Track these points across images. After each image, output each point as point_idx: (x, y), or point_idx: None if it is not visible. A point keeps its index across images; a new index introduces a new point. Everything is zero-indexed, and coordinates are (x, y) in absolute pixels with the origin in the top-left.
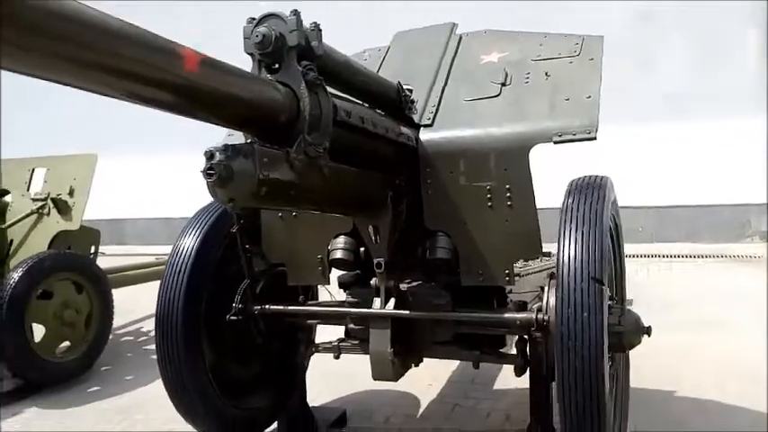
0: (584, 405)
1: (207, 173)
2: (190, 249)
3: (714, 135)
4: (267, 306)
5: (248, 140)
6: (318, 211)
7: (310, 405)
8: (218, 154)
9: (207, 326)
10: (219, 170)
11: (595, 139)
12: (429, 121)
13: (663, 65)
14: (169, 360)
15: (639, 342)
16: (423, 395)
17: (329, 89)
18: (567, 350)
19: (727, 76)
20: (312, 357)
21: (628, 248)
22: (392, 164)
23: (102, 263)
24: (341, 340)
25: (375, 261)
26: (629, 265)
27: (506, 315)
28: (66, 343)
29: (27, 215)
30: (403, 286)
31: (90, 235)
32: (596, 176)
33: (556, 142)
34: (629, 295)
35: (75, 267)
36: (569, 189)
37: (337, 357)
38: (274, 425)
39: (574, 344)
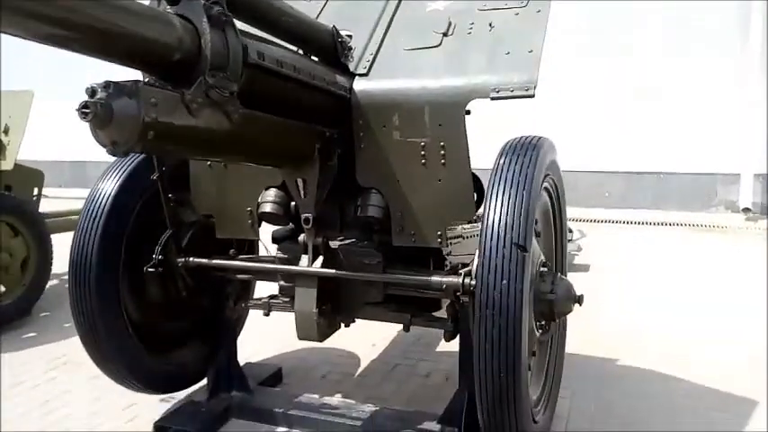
0: (499, 375)
1: (81, 111)
2: (107, 195)
3: (688, 104)
4: (191, 259)
5: (146, 80)
6: (233, 161)
7: (248, 362)
8: (99, 91)
9: (128, 276)
10: (96, 109)
11: (533, 96)
12: (364, 71)
13: (636, 28)
14: (82, 309)
15: (570, 311)
16: (365, 355)
17: (251, 30)
18: (485, 318)
19: (703, 41)
20: (252, 314)
21: (595, 213)
22: (321, 114)
23: (53, 206)
24: (272, 297)
25: (302, 216)
26: (594, 229)
27: (433, 278)
28: (1, 288)
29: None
30: (334, 244)
31: (33, 176)
32: (533, 137)
33: (493, 98)
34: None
35: (7, 209)
36: (502, 150)
37: (267, 314)
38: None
39: (491, 312)
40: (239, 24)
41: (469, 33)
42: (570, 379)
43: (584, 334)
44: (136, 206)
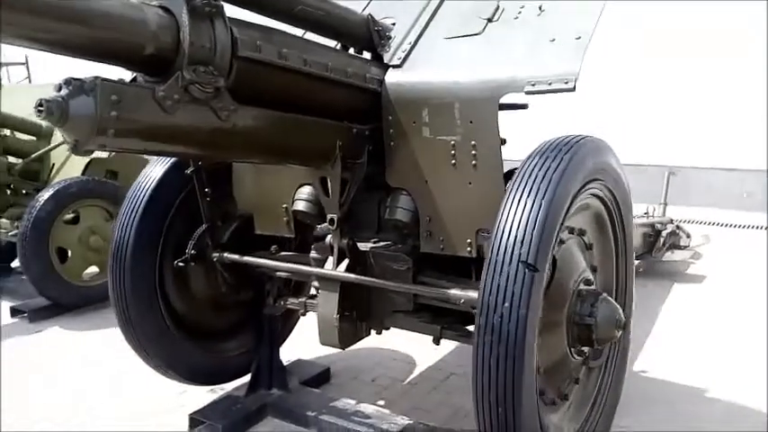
0: (497, 411)
1: (37, 109)
2: (147, 186)
3: None
4: (225, 254)
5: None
6: (233, 160)
7: (298, 359)
8: (63, 88)
9: (172, 268)
10: (51, 107)
11: (573, 90)
12: (399, 61)
13: None
14: (119, 295)
15: (613, 337)
16: (423, 360)
17: (266, 22)
18: (482, 345)
19: None
20: None
21: (732, 216)
22: (346, 109)
23: None
24: (309, 297)
25: (328, 217)
26: (727, 234)
27: (452, 291)
28: (95, 269)
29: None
30: (364, 246)
31: (137, 164)
32: (574, 137)
33: (527, 92)
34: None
35: (102, 195)
36: (532, 152)
37: (303, 314)
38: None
39: (489, 338)
40: (255, 17)
41: (516, 18)
42: (637, 408)
43: (671, 355)
44: (177, 198)
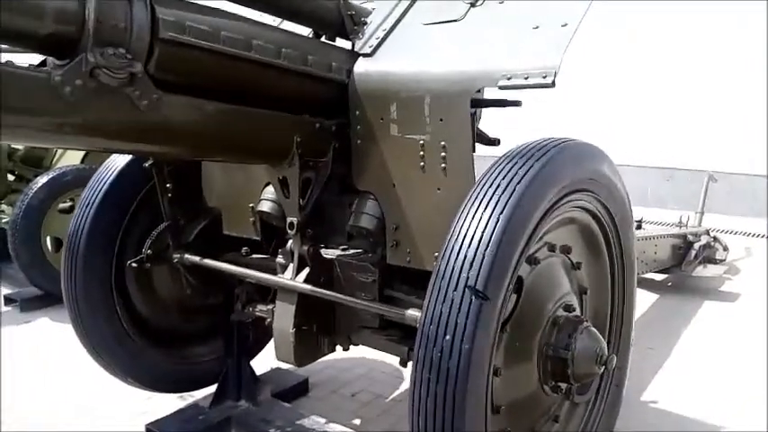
0: None
1: None
2: (106, 178)
3: None
4: (186, 255)
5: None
6: (160, 156)
7: (277, 368)
8: None
9: (130, 267)
10: None
11: (551, 85)
12: (369, 50)
13: None
14: (70, 295)
15: (593, 373)
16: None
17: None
18: (419, 383)
19: None
20: None
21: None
22: (303, 101)
23: None
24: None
25: (287, 220)
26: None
27: (408, 311)
28: None
29: None
30: (331, 254)
31: None
32: (556, 140)
33: (501, 87)
34: None
35: None
36: (498, 158)
37: (270, 324)
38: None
39: (428, 376)
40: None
41: (502, 2)
42: None
43: (688, 384)
44: (139, 192)
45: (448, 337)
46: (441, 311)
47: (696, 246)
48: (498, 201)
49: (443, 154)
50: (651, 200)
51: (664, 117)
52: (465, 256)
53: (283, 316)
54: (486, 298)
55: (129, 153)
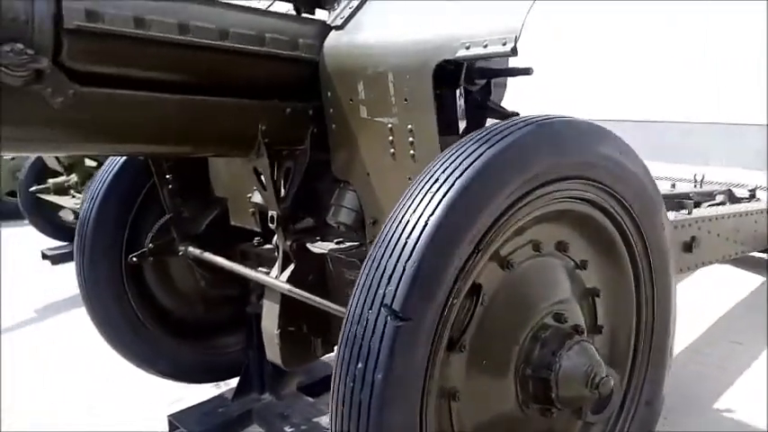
0: None
1: None
2: (110, 169)
3: None
4: (190, 248)
5: None
6: (90, 154)
7: None
8: None
9: (152, 261)
10: None
11: (512, 53)
12: (341, 21)
13: None
14: (82, 286)
15: (583, 398)
16: None
17: None
18: (335, 416)
19: None
20: None
21: None
22: (267, 84)
23: None
24: None
25: (268, 214)
26: None
27: None
28: None
29: None
30: (322, 248)
31: None
32: (526, 119)
33: (461, 59)
34: None
35: None
36: (450, 147)
37: None
38: None
39: (341, 409)
40: None
41: None
42: None
43: None
44: (147, 183)
45: (360, 364)
46: (355, 333)
47: None
48: (431, 200)
49: (411, 139)
50: None
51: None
52: (384, 269)
53: (269, 316)
54: (405, 318)
55: (58, 154)
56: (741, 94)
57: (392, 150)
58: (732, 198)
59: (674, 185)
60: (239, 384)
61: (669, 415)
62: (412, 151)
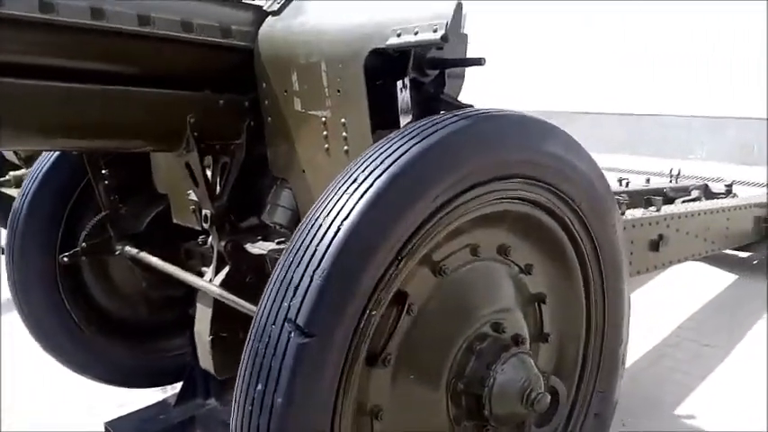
0: None
1: None
2: (44, 164)
3: None
4: (128, 248)
5: None
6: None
7: None
8: None
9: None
10: None
11: (444, 40)
12: (278, 6)
13: None
14: (12, 285)
15: (519, 415)
16: None
17: None
18: None
19: None
20: None
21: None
22: (193, 74)
23: None
24: None
25: (202, 213)
26: None
27: None
28: None
29: None
30: (263, 248)
31: None
32: (458, 115)
33: (391, 47)
34: None
35: None
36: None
37: None
38: None
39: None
40: None
41: None
42: None
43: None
44: (83, 179)
45: (260, 386)
46: (256, 350)
47: None
48: (346, 202)
49: (344, 134)
50: (758, 156)
51: None
52: (291, 279)
53: (201, 321)
54: (310, 335)
55: None
56: (724, 87)
57: (326, 146)
58: (708, 193)
59: (648, 180)
60: (182, 390)
61: (628, 418)
62: (346, 147)
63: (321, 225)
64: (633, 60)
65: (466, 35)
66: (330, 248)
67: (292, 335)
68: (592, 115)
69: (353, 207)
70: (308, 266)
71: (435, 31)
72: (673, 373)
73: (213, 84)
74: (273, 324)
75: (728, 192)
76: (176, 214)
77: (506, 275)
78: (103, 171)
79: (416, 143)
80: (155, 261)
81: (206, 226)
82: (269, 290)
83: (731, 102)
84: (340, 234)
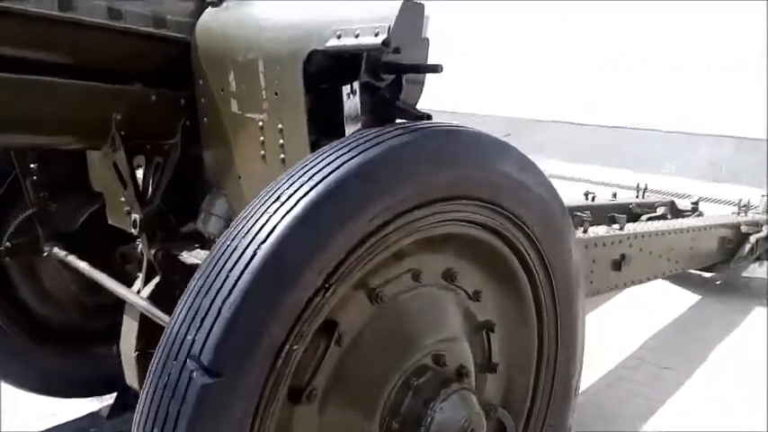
0: None
1: None
2: None
3: None
4: (56, 249)
5: None
6: None
7: None
8: None
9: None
10: None
11: (386, 45)
12: None
13: None
14: None
15: None
16: None
17: None
18: None
19: None
20: None
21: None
22: (123, 67)
23: None
24: None
25: (131, 218)
26: None
27: None
28: None
29: None
30: (194, 258)
31: None
32: (398, 128)
33: (332, 49)
34: None
35: None
36: (316, 152)
37: None
38: None
39: None
40: None
41: None
42: None
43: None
44: (8, 176)
45: (156, 430)
46: (155, 389)
47: (753, 238)
48: (266, 223)
49: (281, 141)
50: (726, 174)
51: None
52: (198, 309)
53: (127, 335)
54: (215, 375)
55: None
56: (699, 103)
57: (262, 152)
58: (674, 210)
59: (614, 195)
60: (115, 402)
61: None
62: (282, 155)
63: (236, 248)
64: (612, 68)
65: (426, 39)
66: (243, 276)
67: (195, 374)
68: (572, 125)
69: (273, 229)
70: (216, 295)
71: (377, 34)
72: (632, 396)
73: (145, 77)
74: (175, 360)
75: (694, 209)
76: (111, 215)
77: (452, 302)
78: (32, 166)
79: (351, 158)
80: (82, 266)
81: (134, 232)
82: (174, 319)
83: (705, 118)
84: (256, 260)
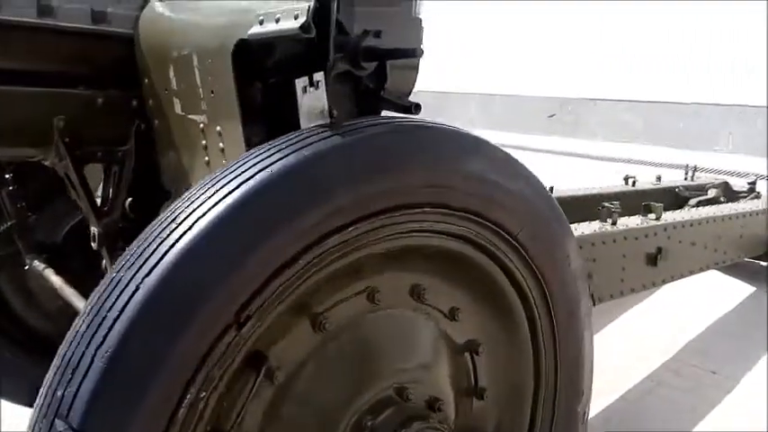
0: None
1: None
2: None
3: None
4: (35, 263)
5: None
6: None
7: None
8: None
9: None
10: None
11: (305, 31)
12: None
13: None
14: None
15: None
16: None
17: None
18: None
19: None
20: None
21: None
22: (65, 68)
23: None
24: None
25: (90, 231)
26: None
27: None
28: None
29: None
30: None
31: None
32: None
33: (254, 37)
34: None
35: None
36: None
37: None
38: None
39: None
40: None
41: None
42: None
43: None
44: None
45: None
46: (48, 400)
47: None
48: (154, 252)
49: (221, 145)
50: None
51: None
52: (71, 357)
53: None
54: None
55: None
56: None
57: (206, 158)
58: (728, 192)
59: (659, 178)
60: None
61: None
62: (224, 160)
63: (118, 283)
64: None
65: (419, 19)
66: (121, 317)
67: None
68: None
69: (161, 258)
70: (90, 341)
71: (296, 17)
72: (674, 404)
73: (88, 79)
74: (44, 418)
75: (752, 190)
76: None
77: (423, 324)
78: (7, 176)
79: (269, 165)
80: (54, 280)
81: (94, 246)
82: (51, 370)
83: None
84: (137, 297)
